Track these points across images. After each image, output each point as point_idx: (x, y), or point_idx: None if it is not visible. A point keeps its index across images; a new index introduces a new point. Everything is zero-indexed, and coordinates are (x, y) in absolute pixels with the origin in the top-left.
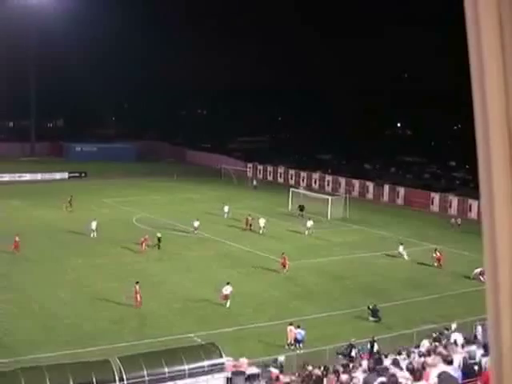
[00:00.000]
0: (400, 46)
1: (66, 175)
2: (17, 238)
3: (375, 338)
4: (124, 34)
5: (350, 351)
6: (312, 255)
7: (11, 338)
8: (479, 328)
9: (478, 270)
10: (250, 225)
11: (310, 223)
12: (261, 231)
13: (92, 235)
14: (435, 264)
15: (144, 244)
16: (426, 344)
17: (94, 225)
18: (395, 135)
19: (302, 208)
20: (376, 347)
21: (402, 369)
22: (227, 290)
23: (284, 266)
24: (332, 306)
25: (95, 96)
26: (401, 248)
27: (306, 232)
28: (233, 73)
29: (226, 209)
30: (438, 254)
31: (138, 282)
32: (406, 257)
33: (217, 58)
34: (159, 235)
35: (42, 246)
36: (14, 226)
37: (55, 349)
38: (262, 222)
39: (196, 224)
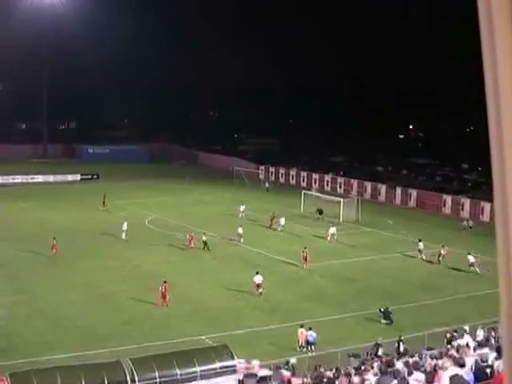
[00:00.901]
0: (412, 47)
1: (78, 177)
2: (53, 242)
3: (402, 338)
4: (136, 35)
5: (377, 350)
6: (324, 257)
7: (23, 339)
8: (481, 332)
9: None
10: (271, 223)
11: (333, 230)
12: (279, 229)
13: (123, 236)
14: (439, 259)
15: (192, 242)
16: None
17: (125, 226)
18: (407, 137)
19: (320, 211)
20: (402, 347)
21: (413, 371)
22: (259, 279)
23: (305, 260)
24: (344, 308)
25: (107, 98)
26: (421, 245)
27: (329, 238)
28: (245, 74)
29: (242, 208)
30: (444, 251)
31: (165, 282)
32: (423, 256)
33: (228, 59)
34: (205, 238)
35: (49, 248)
36: (27, 228)
37: (67, 350)
38: (282, 220)
39: (240, 231)
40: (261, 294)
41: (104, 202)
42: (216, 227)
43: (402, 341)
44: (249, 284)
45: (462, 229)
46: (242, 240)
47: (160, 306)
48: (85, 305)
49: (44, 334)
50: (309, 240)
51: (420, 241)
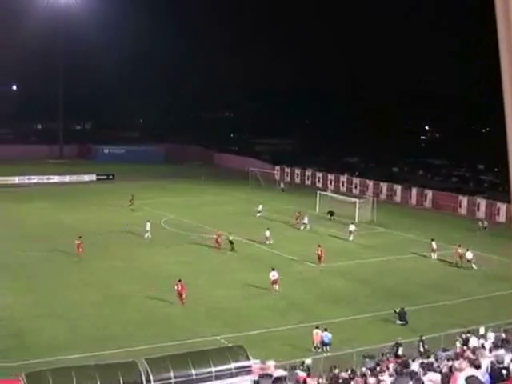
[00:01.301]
0: (428, 48)
1: (93, 177)
2: (78, 241)
3: (423, 338)
4: (151, 36)
5: (397, 350)
6: (339, 258)
7: (38, 339)
8: (491, 334)
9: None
10: (297, 222)
11: (352, 227)
12: (302, 227)
13: (146, 236)
14: (457, 259)
15: (219, 239)
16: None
17: (148, 226)
18: (424, 138)
19: (331, 213)
20: (422, 347)
21: (427, 373)
22: (274, 275)
23: (320, 258)
24: (359, 309)
25: (123, 98)
26: (434, 244)
27: (351, 237)
28: (260, 75)
29: (260, 208)
30: (460, 250)
31: (180, 280)
32: (436, 255)
33: (244, 60)
34: (231, 238)
35: (71, 248)
36: (43, 228)
37: (82, 350)
38: (306, 219)
39: (267, 233)
40: (276, 291)
41: (131, 201)
42: (231, 227)
43: (423, 341)
44: (264, 284)
45: (478, 229)
46: (269, 242)
47: (181, 304)
48: (100, 305)
49: (59, 333)
50: (325, 240)
51: (433, 240)
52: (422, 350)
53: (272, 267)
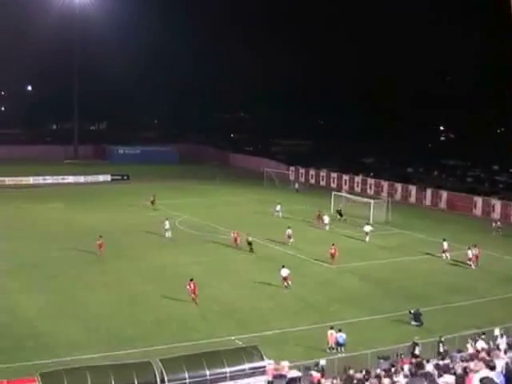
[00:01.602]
0: (444, 49)
1: (108, 177)
2: (99, 241)
3: (442, 339)
4: (167, 37)
5: (414, 349)
6: (354, 259)
7: (53, 338)
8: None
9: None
10: (319, 221)
11: (368, 228)
12: (327, 227)
13: (167, 235)
14: (468, 262)
15: (238, 239)
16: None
17: (167, 224)
18: (438, 139)
19: (340, 213)
20: (442, 347)
21: (443, 374)
22: (285, 272)
23: (333, 257)
24: (374, 309)
25: (138, 99)
26: (445, 244)
27: (367, 238)
28: (276, 76)
29: (278, 208)
30: (475, 251)
31: (192, 279)
32: (447, 255)
33: (259, 62)
34: (250, 239)
35: (86, 248)
36: (59, 228)
37: (96, 350)
38: (326, 219)
39: (289, 232)
40: (286, 287)
41: (153, 201)
42: (246, 228)
43: (442, 342)
44: (279, 285)
45: (492, 230)
46: (292, 240)
47: (195, 303)
48: (115, 305)
49: (75, 333)
50: (339, 240)
51: (444, 240)
52: (441, 350)
53: (283, 265)
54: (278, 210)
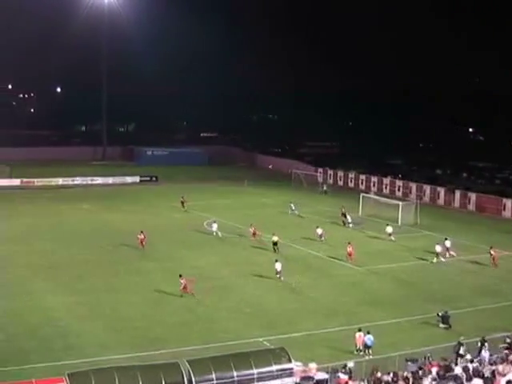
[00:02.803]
0: (472, 50)
1: (137, 179)
2: (141, 236)
3: (485, 338)
4: (196, 38)
5: (459, 349)
6: (382, 261)
7: (81, 339)
8: None
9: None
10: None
11: (390, 229)
12: (350, 226)
13: (219, 235)
14: (491, 263)
15: (256, 234)
16: None
17: (214, 227)
18: (467, 140)
19: (344, 215)
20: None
21: (472, 377)
22: (279, 266)
23: (350, 256)
24: (401, 311)
25: (167, 100)
26: (447, 243)
27: (393, 238)
28: (304, 78)
29: (293, 206)
30: (493, 252)
31: (181, 276)
32: (451, 253)
33: (288, 63)
34: (275, 239)
35: (115, 249)
36: (89, 229)
37: (124, 351)
38: (349, 217)
39: (320, 231)
40: (279, 278)
41: (183, 203)
42: (274, 229)
43: (485, 341)
44: (307, 286)
45: None
46: (323, 239)
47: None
48: (144, 305)
49: (102, 334)
50: (367, 242)
51: (446, 239)
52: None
53: (276, 259)
54: (294, 208)
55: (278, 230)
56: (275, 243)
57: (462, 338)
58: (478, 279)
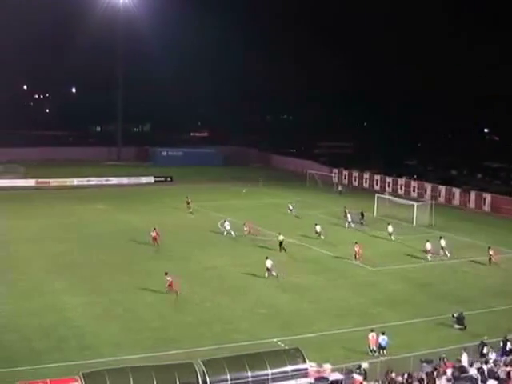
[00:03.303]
0: (487, 50)
1: (151, 179)
2: (153, 233)
3: (508, 337)
4: (211, 39)
5: (482, 348)
6: (396, 261)
7: (97, 339)
8: None
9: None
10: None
11: (390, 228)
12: (352, 225)
13: (232, 235)
14: (490, 261)
15: (250, 230)
16: None
17: (228, 226)
18: (482, 141)
19: (362, 215)
20: (509, 346)
21: (487, 378)
22: (269, 263)
23: (358, 255)
24: (416, 312)
25: (181, 101)
26: (442, 242)
27: (393, 238)
28: (318, 78)
29: (291, 206)
30: (492, 252)
31: (167, 273)
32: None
33: (302, 65)
34: (281, 238)
35: (129, 249)
36: (105, 229)
37: (139, 351)
38: (349, 217)
39: (318, 228)
40: (268, 276)
41: (188, 204)
42: (288, 230)
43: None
44: (321, 287)
45: None
46: (322, 237)
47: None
48: (158, 305)
49: (118, 334)
50: (381, 243)
51: (441, 238)
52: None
53: (266, 256)
54: (292, 208)
55: (292, 231)
56: (281, 242)
57: (485, 337)
58: (493, 280)
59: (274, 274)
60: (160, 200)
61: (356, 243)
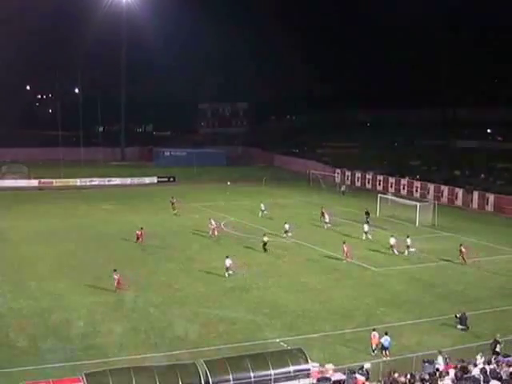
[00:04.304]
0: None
1: (154, 179)
2: (140, 231)
3: (499, 338)
4: (215, 38)
5: (495, 347)
6: (400, 262)
7: (102, 339)
8: None
9: (393, 242)
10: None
11: (366, 227)
12: (327, 226)
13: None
14: (460, 259)
15: (216, 230)
16: None
17: (262, 206)
18: (485, 141)
19: (368, 213)
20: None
21: (490, 379)
22: (228, 262)
23: (346, 255)
24: (419, 313)
25: (185, 101)
26: (408, 240)
27: (364, 236)
28: (322, 79)
29: (263, 207)
30: (464, 249)
31: (115, 270)
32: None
33: (305, 65)
34: (266, 239)
35: (133, 249)
36: (108, 229)
37: (142, 351)
38: (327, 217)
39: (287, 227)
40: (229, 275)
41: (173, 204)
42: (291, 230)
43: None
44: (325, 287)
45: None
46: (289, 235)
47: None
48: (162, 306)
49: (121, 334)
50: (383, 244)
51: (408, 237)
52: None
53: (227, 255)
54: (263, 209)
55: (297, 231)
56: (265, 243)
57: (498, 335)
58: (497, 280)
59: (231, 272)
60: (163, 200)
61: (344, 243)
